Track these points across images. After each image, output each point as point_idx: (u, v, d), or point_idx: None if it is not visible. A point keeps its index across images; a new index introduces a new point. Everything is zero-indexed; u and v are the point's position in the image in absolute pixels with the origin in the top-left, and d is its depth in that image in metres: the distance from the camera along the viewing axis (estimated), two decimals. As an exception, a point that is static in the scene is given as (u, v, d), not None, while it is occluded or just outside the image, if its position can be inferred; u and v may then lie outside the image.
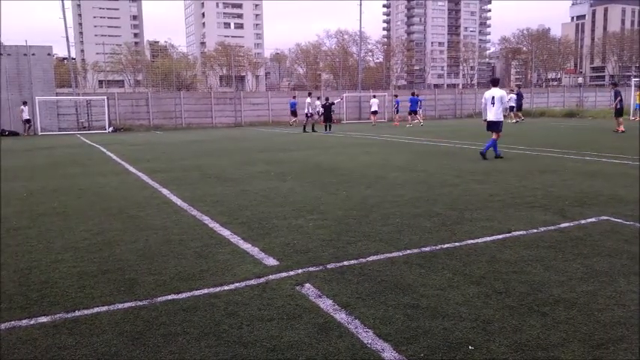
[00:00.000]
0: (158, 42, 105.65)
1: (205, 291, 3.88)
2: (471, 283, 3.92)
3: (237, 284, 4.00)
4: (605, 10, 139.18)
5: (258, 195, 7.86)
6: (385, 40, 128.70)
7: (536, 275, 4.07)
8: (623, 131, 18.88)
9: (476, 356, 2.83)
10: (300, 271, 4.26)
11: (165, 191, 8.40)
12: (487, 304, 3.52)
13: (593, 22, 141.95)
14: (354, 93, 40.55)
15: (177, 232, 5.67)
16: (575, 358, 2.79)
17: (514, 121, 27.65)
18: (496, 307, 3.48)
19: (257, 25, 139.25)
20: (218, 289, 3.92)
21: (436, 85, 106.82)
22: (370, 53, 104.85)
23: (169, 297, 3.77)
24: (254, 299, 3.69)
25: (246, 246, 5.04)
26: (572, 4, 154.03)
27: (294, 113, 32.66)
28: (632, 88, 28.99)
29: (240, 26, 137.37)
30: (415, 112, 28.79)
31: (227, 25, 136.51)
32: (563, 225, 5.61)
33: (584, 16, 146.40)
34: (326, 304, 3.57)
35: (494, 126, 11.96)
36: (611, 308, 3.42)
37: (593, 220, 5.81)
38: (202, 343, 3.05)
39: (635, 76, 51.39)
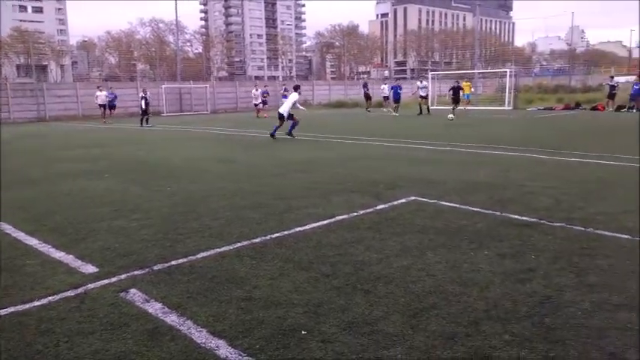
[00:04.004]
0: None
1: (12, 309, 3.42)
2: (301, 269, 4.04)
3: (50, 298, 3.59)
4: (405, 9, 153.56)
5: (69, 196, 7.16)
6: (204, 30, 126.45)
7: (358, 256, 4.35)
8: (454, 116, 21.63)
9: (309, 340, 2.92)
10: (123, 276, 3.98)
11: (-48, 199, 7.19)
12: (316, 288, 3.66)
13: (395, 20, 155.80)
14: (174, 84, 39.11)
15: (-30, 245, 4.90)
16: (397, 328, 3.04)
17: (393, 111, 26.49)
18: (324, 289, 3.64)
19: (59, 9, 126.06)
20: (27, 305, 3.48)
21: (257, 77, 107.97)
22: (188, 43, 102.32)
23: (-36, 322, 3.24)
24: (72, 312, 3.35)
25: (58, 254, 4.55)
26: (377, 3, 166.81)
27: None
28: (430, 80, 32.13)
29: (39, 10, 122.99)
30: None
31: (23, 8, 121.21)
32: (379, 207, 6.08)
33: (388, 14, 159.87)
34: (155, 308, 3.39)
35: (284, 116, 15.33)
36: (422, 279, 3.80)
37: (403, 200, 6.39)
38: (10, 370, 2.67)
39: (431, 70, 57.83)
